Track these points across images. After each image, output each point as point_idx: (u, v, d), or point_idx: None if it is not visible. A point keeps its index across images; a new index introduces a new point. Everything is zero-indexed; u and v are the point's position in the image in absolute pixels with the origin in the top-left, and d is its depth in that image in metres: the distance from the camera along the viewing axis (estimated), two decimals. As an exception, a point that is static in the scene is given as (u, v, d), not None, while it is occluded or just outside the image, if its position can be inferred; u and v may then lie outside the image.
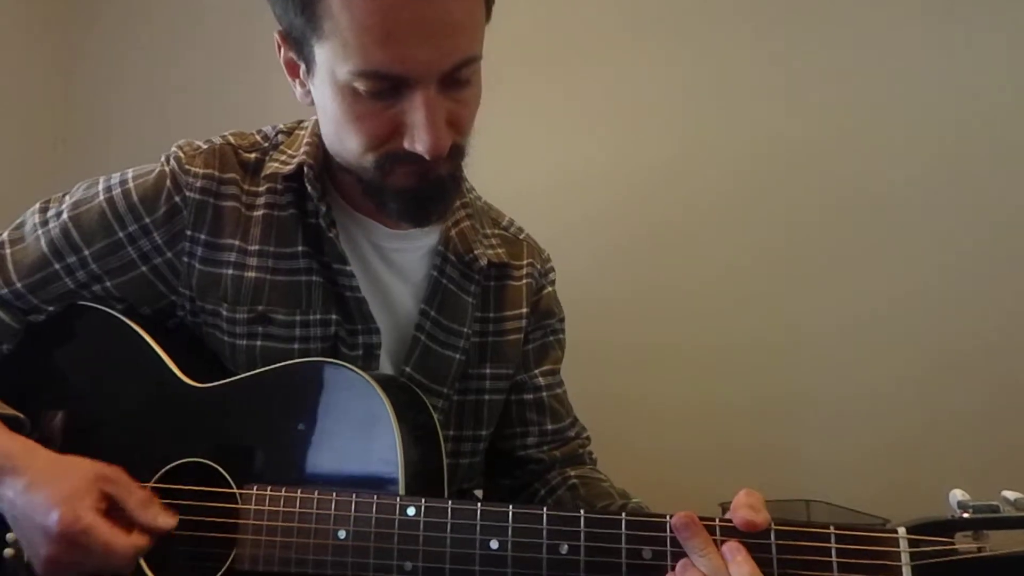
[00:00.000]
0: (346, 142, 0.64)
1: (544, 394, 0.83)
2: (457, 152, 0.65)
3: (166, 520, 0.62)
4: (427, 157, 0.60)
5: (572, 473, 0.80)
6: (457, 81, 0.61)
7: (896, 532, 0.51)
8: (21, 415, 0.67)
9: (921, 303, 1.49)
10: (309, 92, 0.66)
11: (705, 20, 1.66)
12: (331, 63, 0.59)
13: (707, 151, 1.64)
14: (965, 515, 0.50)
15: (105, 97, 2.05)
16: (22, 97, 1.97)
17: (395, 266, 0.75)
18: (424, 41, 0.57)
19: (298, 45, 0.63)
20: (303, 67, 0.64)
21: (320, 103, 0.65)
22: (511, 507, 0.58)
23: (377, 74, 0.58)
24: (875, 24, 1.56)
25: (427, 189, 0.65)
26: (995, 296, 1.45)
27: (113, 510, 0.61)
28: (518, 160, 1.57)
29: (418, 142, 0.60)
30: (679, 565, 0.52)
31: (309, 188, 0.69)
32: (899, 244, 1.52)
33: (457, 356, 0.76)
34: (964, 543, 0.50)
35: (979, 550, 0.49)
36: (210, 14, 1.99)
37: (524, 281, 0.81)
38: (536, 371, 0.83)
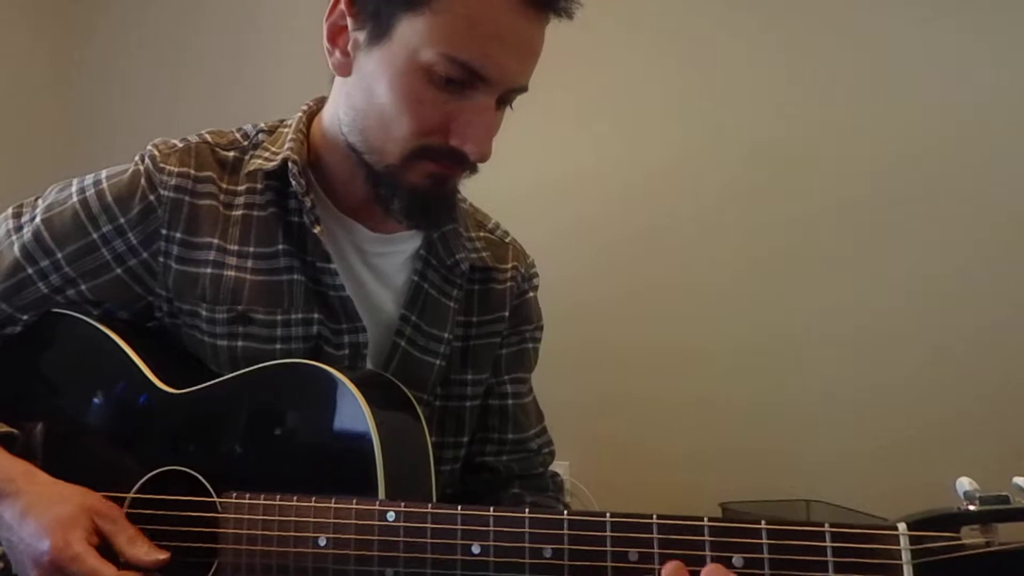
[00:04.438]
0: (388, 122, 0.63)
1: (510, 402, 0.81)
2: (473, 166, 0.66)
3: (153, 555, 0.61)
4: (471, 158, 0.62)
5: (528, 500, 0.78)
6: (504, 101, 0.64)
7: (896, 528, 0.47)
8: (15, 431, 0.67)
9: (921, 303, 1.48)
10: (350, 63, 0.65)
11: (702, 21, 1.66)
12: (418, 39, 0.59)
13: (705, 152, 1.64)
14: (971, 507, 0.47)
15: (105, 97, 2.07)
16: (22, 97, 1.98)
17: (376, 270, 0.73)
18: (517, 55, 0.61)
19: (375, 15, 0.62)
20: (361, 36, 0.63)
21: (369, 77, 0.63)
22: (492, 511, 0.55)
23: (466, 66, 0.59)
24: (874, 25, 1.55)
25: (437, 194, 0.65)
26: (995, 296, 1.44)
27: (104, 544, 0.61)
28: (517, 162, 1.56)
29: (471, 141, 0.61)
30: None
31: (294, 183, 0.68)
32: (898, 244, 1.51)
33: (437, 362, 0.75)
34: (971, 537, 0.46)
35: (987, 544, 0.46)
36: (210, 16, 2.01)
37: (508, 285, 0.79)
38: (506, 377, 0.81)
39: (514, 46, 0.60)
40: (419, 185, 0.64)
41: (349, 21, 0.64)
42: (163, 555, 0.61)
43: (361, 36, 0.63)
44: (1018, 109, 1.44)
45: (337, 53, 0.66)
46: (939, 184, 1.48)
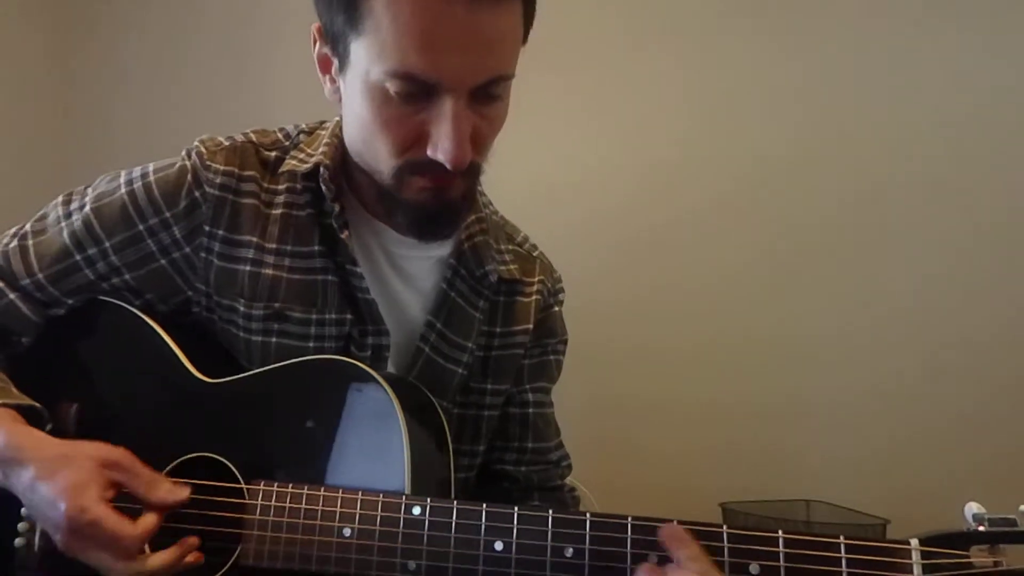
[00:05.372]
0: (371, 145, 0.64)
1: (531, 411, 0.81)
2: (473, 170, 0.65)
3: (176, 494, 0.62)
4: (448, 166, 0.60)
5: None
6: (487, 96, 0.61)
7: (909, 544, 0.50)
8: (39, 405, 0.68)
9: (921, 303, 1.50)
10: (338, 89, 0.66)
11: (706, 22, 1.67)
12: (366, 62, 0.59)
13: (708, 153, 1.65)
14: (981, 528, 0.49)
15: (105, 97, 2.07)
16: (22, 97, 1.98)
17: (404, 273, 0.74)
18: (461, 51, 0.57)
19: (334, 41, 0.63)
20: (336, 64, 0.64)
21: (349, 102, 0.65)
22: (516, 509, 0.57)
23: (410, 76, 0.58)
24: (876, 26, 1.56)
25: (438, 207, 0.65)
26: (995, 296, 1.45)
27: (122, 495, 0.62)
28: (520, 162, 1.57)
29: (440, 150, 0.60)
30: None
31: (323, 188, 0.70)
32: (899, 244, 1.52)
33: (459, 370, 0.76)
34: (979, 557, 0.49)
35: (995, 564, 0.48)
36: (209, 15, 2.01)
37: (533, 298, 0.80)
38: (527, 386, 0.81)
39: (459, 42, 0.57)
40: (418, 201, 0.64)
41: (327, 50, 0.65)
42: (185, 492, 0.62)
43: (337, 63, 0.64)
44: (1018, 111, 1.45)
45: (327, 82, 0.67)
46: (941, 185, 1.49)
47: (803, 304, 1.56)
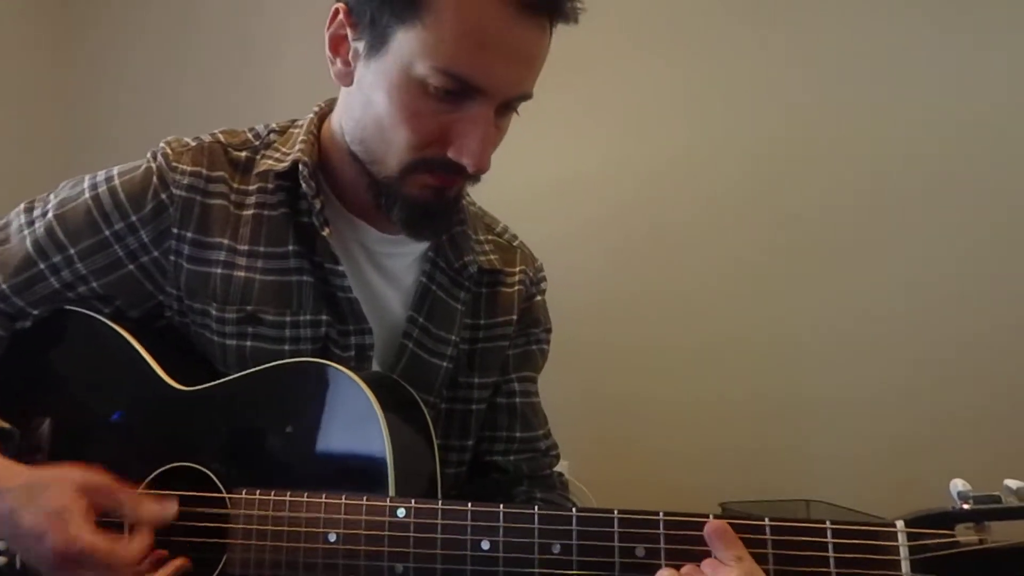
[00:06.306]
0: (385, 135, 0.63)
1: (518, 400, 0.81)
2: (477, 175, 0.66)
3: (165, 509, 0.61)
4: (470, 170, 0.62)
5: (539, 496, 0.79)
6: (509, 108, 0.64)
7: (894, 525, 0.49)
8: (8, 426, 0.67)
9: (922, 303, 1.50)
10: (351, 73, 0.66)
11: (706, 22, 1.67)
12: (412, 53, 0.59)
13: (708, 153, 1.65)
14: (966, 506, 0.49)
15: (105, 96, 2.06)
16: (22, 96, 1.98)
17: (385, 270, 0.74)
18: (511, 63, 0.60)
19: (368, 24, 0.62)
20: (360, 46, 0.64)
21: (367, 88, 0.64)
22: (502, 507, 0.57)
23: (458, 77, 0.59)
24: (876, 24, 1.56)
25: (437, 205, 0.66)
26: (996, 295, 1.45)
27: (106, 517, 0.60)
28: (521, 162, 1.56)
29: (467, 153, 0.61)
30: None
31: (304, 185, 0.69)
32: (900, 244, 1.52)
33: (444, 364, 0.75)
34: (965, 535, 0.48)
35: (980, 542, 0.48)
36: (210, 15, 2.01)
37: (516, 288, 0.80)
38: (513, 376, 0.81)
39: (510, 55, 0.59)
40: (418, 197, 0.65)
41: (348, 31, 0.65)
42: (173, 506, 0.61)
43: (360, 47, 0.64)
44: (1018, 110, 1.45)
45: (339, 63, 0.67)
46: (940, 185, 1.49)
47: (803, 303, 1.56)
